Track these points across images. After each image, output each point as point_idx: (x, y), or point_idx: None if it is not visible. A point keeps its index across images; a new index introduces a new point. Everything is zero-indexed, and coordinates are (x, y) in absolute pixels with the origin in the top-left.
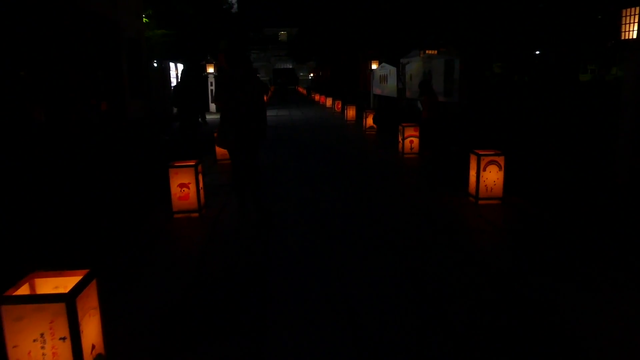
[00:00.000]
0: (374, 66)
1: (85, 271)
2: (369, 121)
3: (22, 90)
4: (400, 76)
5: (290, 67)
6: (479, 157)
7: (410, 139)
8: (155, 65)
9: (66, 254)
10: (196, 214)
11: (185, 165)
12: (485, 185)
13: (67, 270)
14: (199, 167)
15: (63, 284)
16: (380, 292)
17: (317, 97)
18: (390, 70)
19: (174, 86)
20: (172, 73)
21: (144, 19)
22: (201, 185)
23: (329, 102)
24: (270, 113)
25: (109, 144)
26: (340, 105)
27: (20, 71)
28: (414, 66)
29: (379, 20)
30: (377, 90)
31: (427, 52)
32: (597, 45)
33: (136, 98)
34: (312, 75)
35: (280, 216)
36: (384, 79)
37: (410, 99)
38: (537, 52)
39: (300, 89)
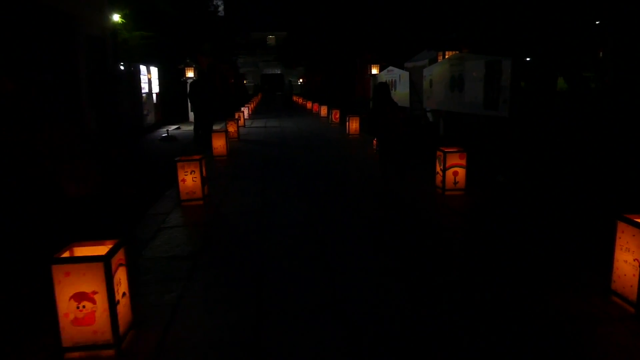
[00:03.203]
0: (375, 71)
1: None
2: None
3: None
4: (413, 82)
5: (279, 72)
6: None
7: (454, 170)
8: (122, 68)
9: None
10: (111, 352)
11: (88, 259)
12: None
13: None
14: (118, 256)
15: None
16: None
17: (309, 105)
18: (401, 75)
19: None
20: (145, 78)
21: (120, 19)
22: (123, 290)
23: (323, 110)
24: (257, 124)
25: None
26: (338, 116)
27: None
28: (435, 70)
29: (381, 19)
30: None
31: (447, 53)
32: (593, 53)
33: (97, 107)
34: (301, 80)
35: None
36: (391, 84)
37: (430, 110)
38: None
39: (296, 99)
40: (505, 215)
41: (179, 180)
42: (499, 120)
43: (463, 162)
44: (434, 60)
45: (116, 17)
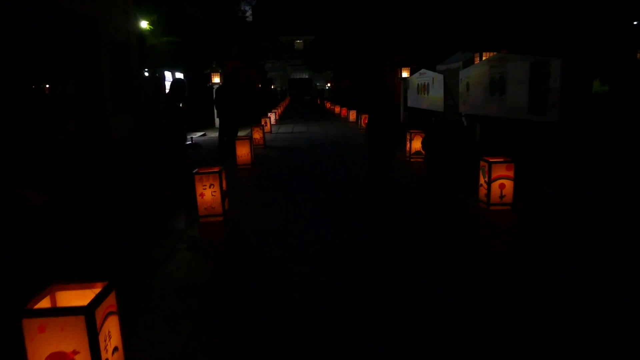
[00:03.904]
0: (405, 74)
1: None
2: (415, 145)
3: None
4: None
5: (307, 76)
6: None
7: (501, 182)
8: (146, 74)
9: None
10: None
11: (67, 311)
12: None
13: None
14: (107, 304)
15: None
16: None
17: (337, 109)
18: (434, 77)
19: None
20: (169, 83)
21: (148, 26)
22: (115, 344)
23: (352, 115)
24: (284, 129)
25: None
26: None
27: None
28: (473, 72)
29: (412, 19)
30: (414, 102)
31: (484, 54)
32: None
33: (122, 114)
34: (329, 85)
35: None
36: (424, 88)
37: (466, 114)
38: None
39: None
40: (561, 236)
41: (197, 195)
42: (546, 125)
43: (510, 173)
44: (468, 62)
45: (144, 24)
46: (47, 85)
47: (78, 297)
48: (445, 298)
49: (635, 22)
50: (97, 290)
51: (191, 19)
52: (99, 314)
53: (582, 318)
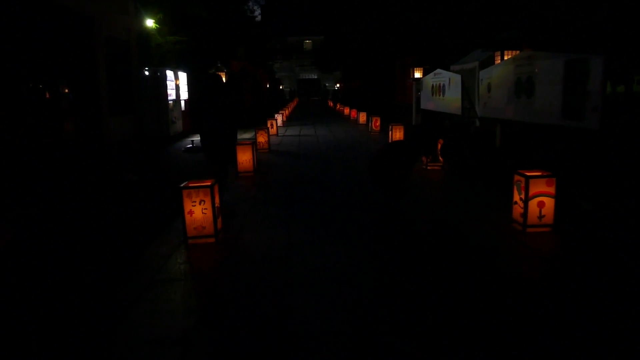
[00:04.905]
0: (418, 74)
1: None
2: None
3: None
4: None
5: (316, 77)
6: None
7: (540, 200)
8: (147, 73)
9: None
10: None
11: None
12: None
13: None
14: None
15: None
16: None
17: (347, 111)
18: (451, 78)
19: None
20: (171, 83)
21: (154, 25)
22: None
23: (362, 117)
24: (291, 132)
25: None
26: (379, 123)
27: None
28: (496, 72)
29: (426, 18)
30: (429, 104)
31: (505, 53)
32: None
33: (120, 115)
34: (338, 85)
35: None
36: (439, 89)
37: (485, 118)
38: None
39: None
40: (615, 263)
41: (185, 213)
42: (579, 131)
43: (551, 190)
44: (486, 62)
45: (150, 22)
46: (47, 85)
47: None
48: (467, 338)
49: None
50: None
51: (197, 18)
52: None
53: None
